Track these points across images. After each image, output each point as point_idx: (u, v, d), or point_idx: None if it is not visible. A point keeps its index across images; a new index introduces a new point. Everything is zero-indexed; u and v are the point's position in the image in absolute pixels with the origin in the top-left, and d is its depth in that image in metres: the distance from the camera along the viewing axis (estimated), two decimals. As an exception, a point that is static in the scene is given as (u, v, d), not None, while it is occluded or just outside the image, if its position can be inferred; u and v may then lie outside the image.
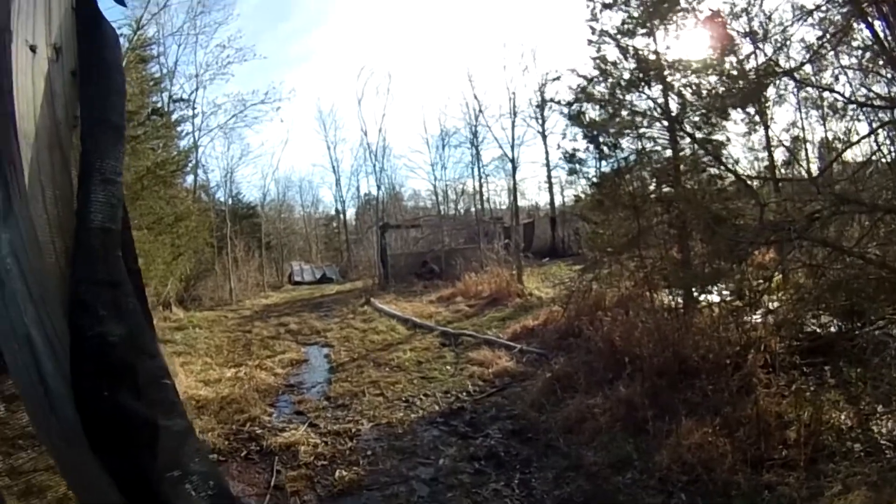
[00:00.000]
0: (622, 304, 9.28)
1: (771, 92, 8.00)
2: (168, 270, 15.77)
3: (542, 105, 31.67)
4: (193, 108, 28.56)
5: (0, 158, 1.69)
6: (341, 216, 49.40)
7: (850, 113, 7.68)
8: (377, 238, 27.99)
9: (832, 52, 7.29)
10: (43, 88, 1.84)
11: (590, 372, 7.47)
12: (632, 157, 9.54)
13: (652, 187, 9.39)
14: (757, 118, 8.47)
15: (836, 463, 4.62)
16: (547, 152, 36.15)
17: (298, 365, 11.03)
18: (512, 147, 22.88)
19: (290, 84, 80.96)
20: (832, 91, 7.60)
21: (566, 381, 7.45)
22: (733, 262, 6.70)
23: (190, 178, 26.93)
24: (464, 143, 38.24)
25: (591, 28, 9.54)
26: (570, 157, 10.50)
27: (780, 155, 9.86)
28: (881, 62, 6.98)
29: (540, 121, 33.75)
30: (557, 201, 37.64)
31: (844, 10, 6.80)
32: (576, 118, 10.22)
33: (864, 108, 7.34)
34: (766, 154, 10.10)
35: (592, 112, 10.01)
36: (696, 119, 8.52)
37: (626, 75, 9.24)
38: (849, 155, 7.96)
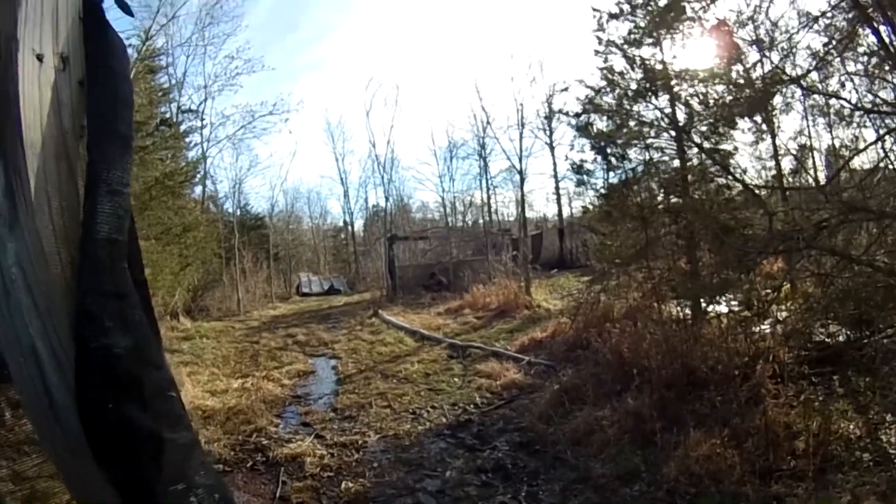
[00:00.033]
0: (630, 316, 9.24)
1: (778, 100, 7.96)
2: (176, 281, 15.80)
3: (549, 116, 31.65)
4: (202, 119, 28.71)
5: (6, 168, 1.68)
6: (349, 228, 49.45)
7: (857, 120, 7.66)
8: (385, 250, 28.04)
9: (838, 59, 7.26)
10: (50, 98, 1.83)
11: (598, 384, 7.44)
12: (639, 168, 9.52)
13: (660, 198, 9.37)
14: (764, 127, 8.45)
15: (845, 473, 4.59)
16: (555, 164, 36.11)
17: (306, 376, 11.03)
18: (520, 158, 22.77)
19: (299, 95, 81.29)
20: (839, 98, 7.58)
21: (574, 393, 7.42)
22: (741, 273, 6.67)
23: (198, 189, 27.08)
24: (472, 155, 38.14)
25: (598, 38, 9.55)
26: (578, 169, 10.49)
27: (787, 164, 9.86)
28: (887, 68, 6.95)
29: (548, 132, 33.72)
30: (565, 212, 37.69)
31: (850, 15, 6.78)
32: (583, 129, 10.20)
33: (871, 115, 7.31)
34: (773, 163, 10.05)
35: (600, 123, 10.00)
36: (704, 129, 8.49)
37: (633, 85, 9.22)
38: (856, 162, 7.94)
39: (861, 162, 8.15)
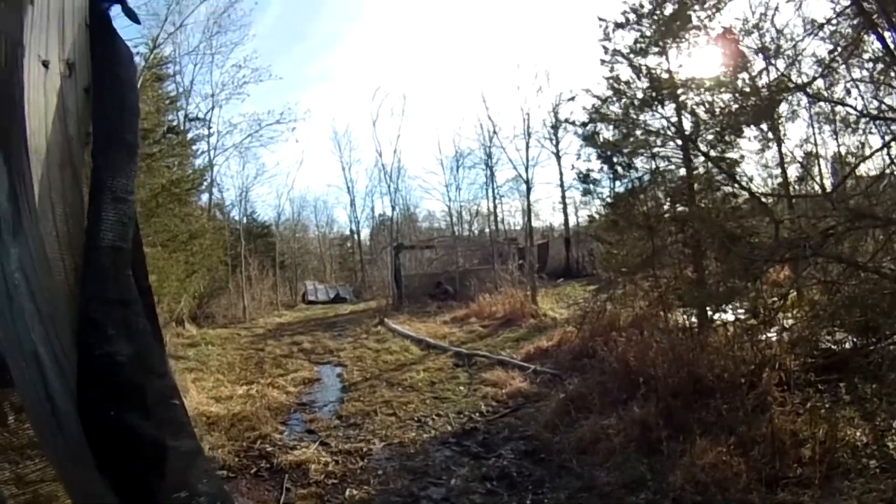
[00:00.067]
0: (636, 325, 9.22)
1: (784, 108, 7.96)
2: (181, 287, 15.82)
3: (556, 126, 31.64)
4: (209, 127, 28.74)
5: (10, 173, 1.68)
6: (356, 236, 49.55)
7: (863, 126, 7.65)
8: (391, 258, 28.01)
9: (843, 66, 7.25)
10: (55, 104, 1.83)
11: (604, 392, 7.41)
12: (646, 177, 9.52)
13: (666, 207, 9.36)
14: (770, 135, 8.44)
15: (852, 480, 4.56)
16: (561, 173, 36.13)
17: (311, 384, 11.01)
18: (526, 168, 22.77)
19: (306, 104, 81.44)
20: (844, 105, 7.57)
21: (580, 401, 7.39)
22: (748, 281, 6.66)
23: (205, 197, 27.11)
24: (478, 165, 38.26)
25: (604, 48, 9.56)
26: (585, 178, 10.48)
27: (793, 171, 9.84)
28: (893, 74, 6.95)
29: (554, 141, 33.74)
30: (572, 222, 37.68)
31: (855, 22, 6.77)
32: (590, 138, 10.21)
33: (877, 121, 7.30)
34: (779, 171, 10.04)
35: (606, 132, 10.02)
36: (710, 137, 8.48)
37: (640, 94, 9.23)
38: (862, 169, 7.92)
39: (867, 169, 8.15)
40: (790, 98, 7.70)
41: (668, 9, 8.76)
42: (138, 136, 2.17)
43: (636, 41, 9.25)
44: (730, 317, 7.35)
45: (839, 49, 7.12)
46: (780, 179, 10.07)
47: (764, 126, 8.00)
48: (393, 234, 32.03)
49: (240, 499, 5.67)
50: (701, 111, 8.50)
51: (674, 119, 8.90)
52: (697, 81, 8.48)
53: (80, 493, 1.91)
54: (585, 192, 10.91)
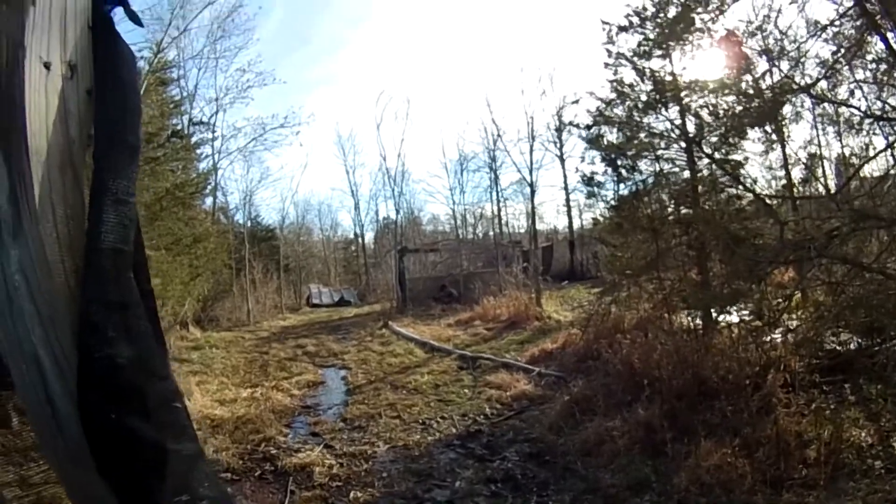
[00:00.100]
0: (641, 327, 9.21)
1: (787, 109, 7.95)
2: (186, 291, 15.82)
3: (560, 129, 31.66)
4: (213, 131, 28.74)
5: (11, 175, 1.68)
6: (360, 240, 49.52)
7: (867, 127, 7.64)
8: (395, 262, 28.03)
9: (846, 67, 7.25)
10: (56, 106, 1.82)
11: (608, 394, 7.41)
12: (650, 180, 9.51)
13: (670, 209, 9.35)
14: (774, 137, 8.43)
15: (857, 481, 4.55)
16: (565, 176, 36.12)
17: (315, 387, 11.02)
18: (530, 171, 22.74)
19: (310, 108, 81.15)
20: (848, 106, 7.57)
21: (585, 403, 7.39)
22: (753, 282, 6.64)
23: (209, 201, 27.10)
24: (482, 168, 38.29)
25: (608, 51, 9.55)
26: (589, 181, 10.49)
27: (797, 173, 9.83)
28: (896, 74, 6.95)
29: (558, 145, 33.74)
30: (576, 224, 37.66)
31: (858, 23, 6.77)
32: (594, 141, 10.21)
33: (881, 122, 7.29)
34: (783, 172, 10.03)
35: (610, 135, 10.00)
36: (714, 139, 8.47)
37: (643, 97, 9.22)
38: (866, 169, 7.92)
39: (871, 169, 8.14)
40: (794, 100, 7.69)
41: (672, 11, 8.75)
42: (140, 137, 2.17)
43: (639, 44, 9.25)
44: (734, 318, 7.34)
45: (842, 50, 7.11)
46: (783, 181, 10.05)
47: (768, 128, 7.99)
48: (397, 237, 32.10)
49: (244, 501, 5.68)
50: (705, 113, 8.49)
51: (678, 121, 8.89)
52: (701, 84, 8.47)
53: (80, 496, 1.91)
54: (589, 195, 10.89)
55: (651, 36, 9.13)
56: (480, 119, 61.22)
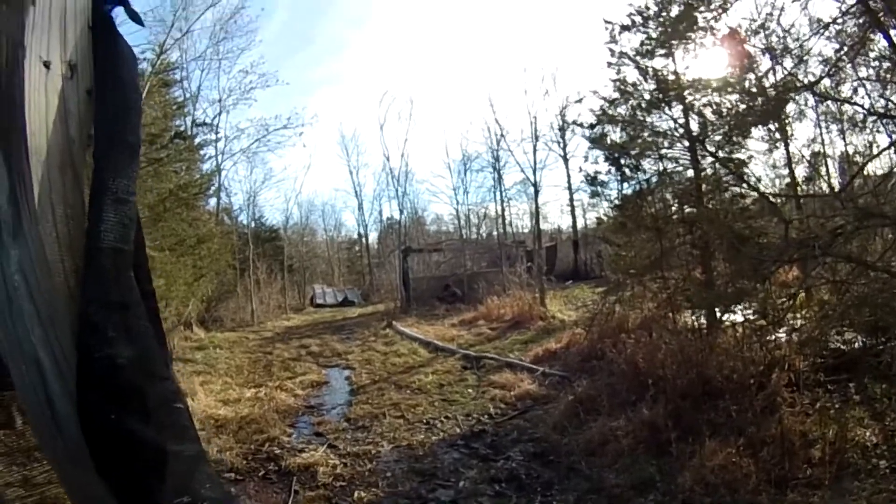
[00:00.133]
0: (645, 326, 9.20)
1: (791, 108, 7.92)
2: (189, 291, 15.83)
3: (563, 128, 31.75)
4: (216, 133, 28.83)
5: (10, 175, 1.67)
6: (364, 240, 49.61)
7: (870, 125, 7.62)
8: (399, 262, 28.05)
9: (850, 65, 7.23)
10: (56, 105, 1.82)
11: (613, 394, 7.39)
12: (654, 179, 9.50)
13: (674, 208, 9.34)
14: (778, 135, 8.40)
15: (861, 481, 4.54)
16: (569, 175, 36.17)
17: (319, 387, 11.02)
18: (534, 171, 22.78)
19: (313, 109, 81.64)
20: (852, 103, 7.55)
21: (589, 403, 7.37)
22: (757, 281, 6.63)
23: (213, 201, 27.13)
24: (486, 168, 38.27)
25: (611, 50, 9.54)
26: (592, 180, 10.47)
27: (801, 171, 9.81)
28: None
29: (561, 144, 33.81)
30: (580, 224, 37.62)
31: (861, 21, 6.75)
32: (597, 140, 10.20)
33: (884, 120, 7.27)
34: (787, 171, 10.01)
35: (614, 134, 9.99)
36: (718, 138, 8.45)
37: (647, 96, 9.20)
38: (870, 167, 7.90)
39: (875, 167, 8.12)
40: (797, 98, 7.66)
41: (674, 10, 8.73)
42: (140, 137, 2.16)
43: (642, 43, 9.23)
44: (738, 318, 7.32)
45: (845, 48, 7.09)
46: (787, 180, 10.03)
47: (772, 126, 7.96)
48: (401, 237, 32.13)
49: (248, 501, 5.68)
50: (708, 112, 8.47)
51: (681, 120, 8.88)
52: (704, 82, 8.44)
53: (80, 497, 1.91)
54: (593, 195, 10.89)
55: (654, 35, 9.11)
56: (484, 119, 61.28)
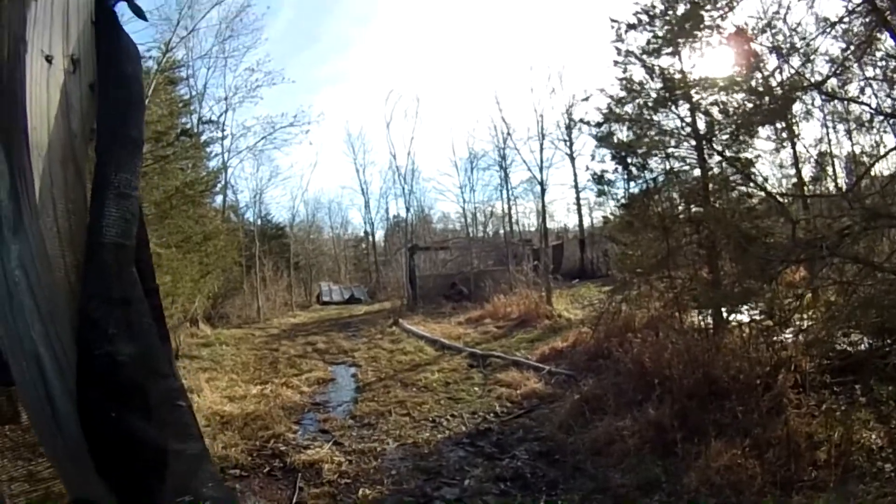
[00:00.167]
0: (652, 326, 9.18)
1: (797, 107, 7.89)
2: (196, 288, 15.85)
3: (570, 127, 31.67)
4: (223, 130, 28.80)
5: (12, 170, 1.67)
6: (370, 238, 49.58)
7: (877, 125, 7.59)
8: (406, 259, 28.08)
9: (856, 64, 7.20)
10: (58, 100, 1.81)
11: (619, 393, 7.39)
12: (660, 178, 9.47)
13: (681, 207, 9.31)
14: (784, 134, 8.38)
15: (867, 484, 4.52)
16: (575, 174, 36.09)
17: (325, 384, 11.03)
18: (540, 169, 22.67)
19: (319, 107, 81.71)
20: (859, 102, 7.52)
21: (595, 402, 7.37)
22: (764, 281, 6.60)
23: (219, 199, 27.20)
24: (492, 166, 38.29)
25: (617, 49, 9.51)
26: (599, 179, 10.46)
27: (807, 171, 9.78)
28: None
29: (568, 143, 33.72)
30: (586, 223, 37.57)
31: (867, 20, 6.72)
32: (604, 139, 10.19)
33: (892, 120, 7.25)
34: (793, 171, 9.97)
35: (620, 133, 9.97)
36: (725, 137, 8.42)
37: (653, 95, 9.18)
38: (877, 168, 7.87)
39: (882, 168, 8.09)
40: (804, 97, 7.63)
41: (680, 9, 8.70)
42: (143, 131, 2.15)
43: (649, 42, 9.20)
44: (745, 318, 7.30)
45: (852, 47, 7.06)
46: (794, 179, 10.00)
47: (778, 125, 7.94)
48: (407, 235, 32.08)
49: (252, 497, 5.69)
50: (715, 111, 8.44)
51: (688, 119, 8.85)
52: (711, 81, 8.41)
53: (80, 495, 1.90)
54: (600, 193, 10.89)
55: (660, 33, 9.08)
56: (490, 117, 60.94)
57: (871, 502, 4.25)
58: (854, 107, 8.23)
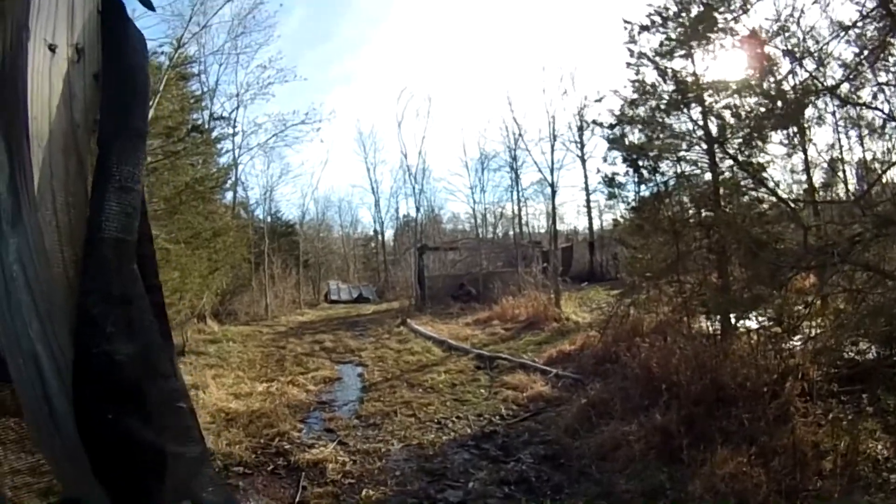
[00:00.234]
0: (660, 330, 9.15)
1: (810, 112, 7.84)
2: (204, 284, 15.86)
3: (581, 129, 31.72)
4: (234, 127, 28.86)
5: (11, 161, 1.64)
6: (380, 237, 49.77)
7: (890, 131, 7.54)
8: (415, 259, 28.11)
9: (869, 69, 7.15)
10: (61, 90, 1.78)
11: (626, 398, 7.34)
12: (671, 181, 9.43)
13: (692, 211, 9.26)
14: (797, 139, 8.33)
15: (871, 494, 4.48)
16: (586, 176, 36.18)
17: (331, 383, 11.03)
18: (551, 171, 22.67)
19: (331, 105, 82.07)
20: (872, 108, 7.46)
21: (601, 407, 7.34)
22: (774, 288, 6.56)
23: (229, 195, 27.30)
24: (503, 167, 38.26)
25: (630, 50, 9.47)
26: (610, 181, 10.41)
27: (818, 177, 9.73)
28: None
29: (579, 145, 33.82)
30: (596, 225, 37.67)
31: (881, 25, 6.66)
32: (616, 141, 10.14)
33: (904, 125, 7.20)
34: (804, 176, 9.92)
35: (632, 136, 9.94)
36: (738, 142, 8.37)
37: (666, 97, 9.13)
38: (889, 174, 7.82)
39: (894, 175, 8.04)
40: (816, 102, 7.58)
41: (694, 11, 8.65)
42: (147, 123, 2.12)
43: (662, 44, 9.16)
44: (753, 324, 7.25)
45: (865, 52, 7.01)
46: (805, 185, 9.94)
47: (791, 130, 7.89)
48: (417, 235, 32.15)
49: (255, 496, 5.68)
50: (727, 114, 8.40)
51: (700, 122, 8.81)
52: (723, 84, 8.37)
53: (74, 495, 1.87)
54: (610, 196, 10.82)
55: (673, 35, 9.04)
56: (502, 117, 60.97)
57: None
58: (866, 112, 8.17)
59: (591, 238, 36.22)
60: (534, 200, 47.61)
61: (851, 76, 7.11)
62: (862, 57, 7.04)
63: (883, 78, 7.29)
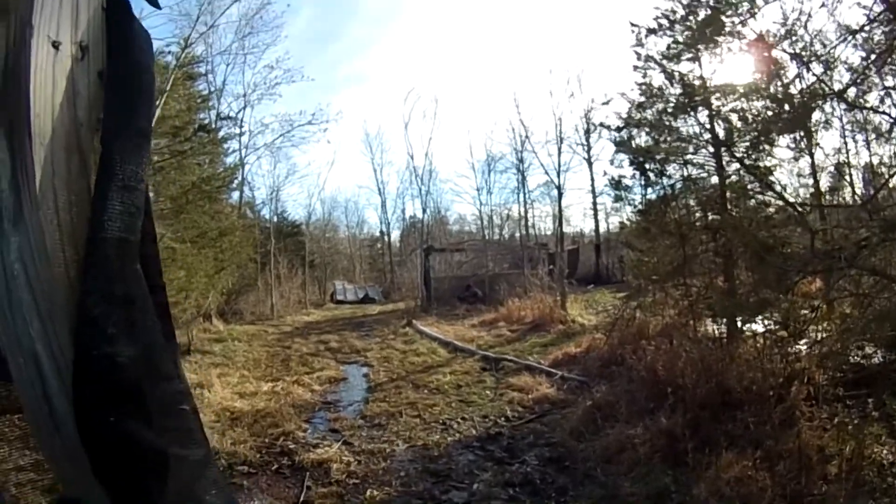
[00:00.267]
0: (666, 333, 9.14)
1: (817, 116, 7.82)
2: (210, 283, 15.90)
3: (587, 131, 31.72)
4: (241, 127, 29.04)
5: (13, 159, 1.64)
6: (386, 238, 49.75)
7: (896, 136, 7.52)
8: (421, 260, 28.09)
9: (876, 73, 7.12)
10: (64, 87, 1.76)
11: (631, 401, 7.33)
12: (678, 184, 9.41)
13: (698, 215, 9.25)
14: (804, 143, 8.30)
15: (877, 500, 4.47)
16: (592, 179, 36.16)
17: (336, 383, 11.04)
18: (558, 173, 22.67)
19: (338, 106, 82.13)
20: (879, 112, 7.43)
21: (607, 409, 7.32)
22: (780, 292, 6.54)
23: (236, 195, 27.40)
24: (510, 169, 38.43)
25: (637, 53, 9.47)
26: (617, 184, 10.40)
27: (825, 181, 9.70)
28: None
29: (586, 147, 33.82)
30: (602, 228, 37.60)
31: (888, 29, 6.64)
32: (623, 144, 10.14)
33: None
34: (811, 180, 9.90)
35: (639, 139, 9.93)
36: (744, 145, 8.36)
37: (673, 100, 9.12)
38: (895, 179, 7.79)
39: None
40: (824, 106, 7.57)
41: (701, 14, 8.63)
42: (152, 122, 2.12)
43: (669, 47, 9.15)
44: (759, 328, 7.23)
45: (872, 56, 6.99)
46: (811, 189, 9.92)
47: (798, 134, 7.87)
48: (423, 236, 32.15)
49: (259, 495, 5.69)
50: (734, 118, 8.39)
51: (707, 126, 8.80)
52: (730, 88, 8.36)
53: (73, 495, 1.87)
54: (617, 199, 10.82)
55: (680, 39, 9.03)
56: (508, 120, 61.24)
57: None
58: (873, 116, 8.16)
59: (597, 241, 36.16)
60: (540, 202, 47.52)
61: (859, 80, 7.08)
62: (869, 61, 7.01)
63: (890, 82, 7.27)
